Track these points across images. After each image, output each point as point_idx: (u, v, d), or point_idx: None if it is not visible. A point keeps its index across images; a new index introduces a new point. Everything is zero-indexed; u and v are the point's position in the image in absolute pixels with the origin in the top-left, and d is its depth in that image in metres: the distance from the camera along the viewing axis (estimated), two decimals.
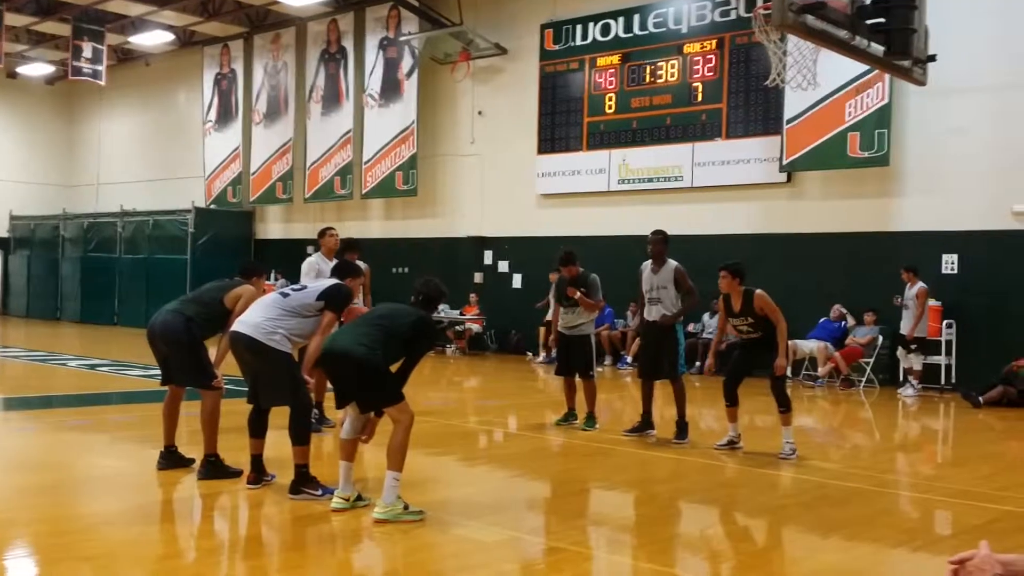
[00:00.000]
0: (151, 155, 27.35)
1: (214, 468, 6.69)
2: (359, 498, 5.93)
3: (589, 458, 8.44)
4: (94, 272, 26.40)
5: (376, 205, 22.01)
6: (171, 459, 6.96)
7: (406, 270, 19.68)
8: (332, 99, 22.30)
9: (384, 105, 21.08)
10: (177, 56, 26.07)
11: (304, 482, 6.17)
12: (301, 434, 6.19)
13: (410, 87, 20.64)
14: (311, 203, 22.93)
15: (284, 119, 23.43)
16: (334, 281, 6.59)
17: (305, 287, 6.61)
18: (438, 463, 8.02)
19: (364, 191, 21.57)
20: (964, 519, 6.53)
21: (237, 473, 6.67)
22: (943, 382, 13.94)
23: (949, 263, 14.23)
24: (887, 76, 13.54)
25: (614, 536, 5.83)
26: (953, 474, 8.22)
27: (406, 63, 20.69)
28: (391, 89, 20.99)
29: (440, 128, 20.73)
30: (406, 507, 5.66)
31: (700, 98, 16.80)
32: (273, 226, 24.70)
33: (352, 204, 22.15)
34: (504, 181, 19.55)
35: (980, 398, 12.61)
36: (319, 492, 6.13)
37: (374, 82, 21.29)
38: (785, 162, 15.58)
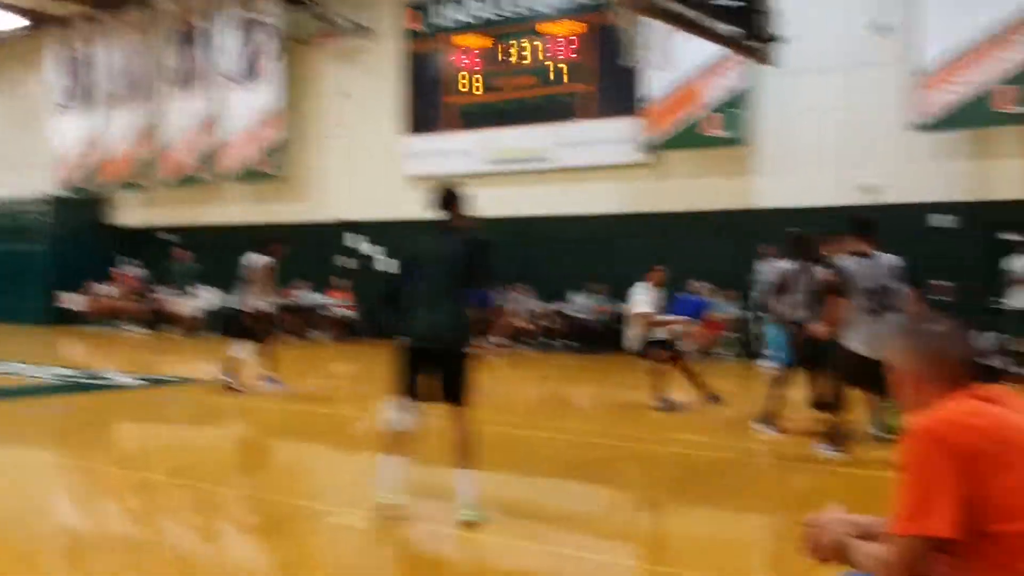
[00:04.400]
0: None
1: None
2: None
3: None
4: None
5: (239, 189, 21.41)
6: None
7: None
8: (190, 81, 21.53)
9: (245, 87, 20.50)
10: (25, 38, 24.60)
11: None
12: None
13: (272, 68, 20.12)
14: (171, 188, 22.13)
15: (139, 102, 22.47)
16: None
17: None
18: (310, 452, 7.91)
19: (226, 175, 20.96)
20: (821, 483, 6.86)
21: None
22: None
23: None
24: (743, 57, 14.00)
25: (490, 515, 5.87)
26: (811, 441, 8.60)
27: (267, 43, 20.15)
28: (252, 70, 20.42)
29: (304, 110, 20.30)
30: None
31: (564, 79, 17.00)
32: (130, 213, 23.71)
33: (214, 189, 21.49)
34: (371, 163, 19.32)
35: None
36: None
37: (234, 63, 20.66)
38: (647, 142, 15.94)
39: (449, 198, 5.67)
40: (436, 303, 5.48)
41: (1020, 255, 12.60)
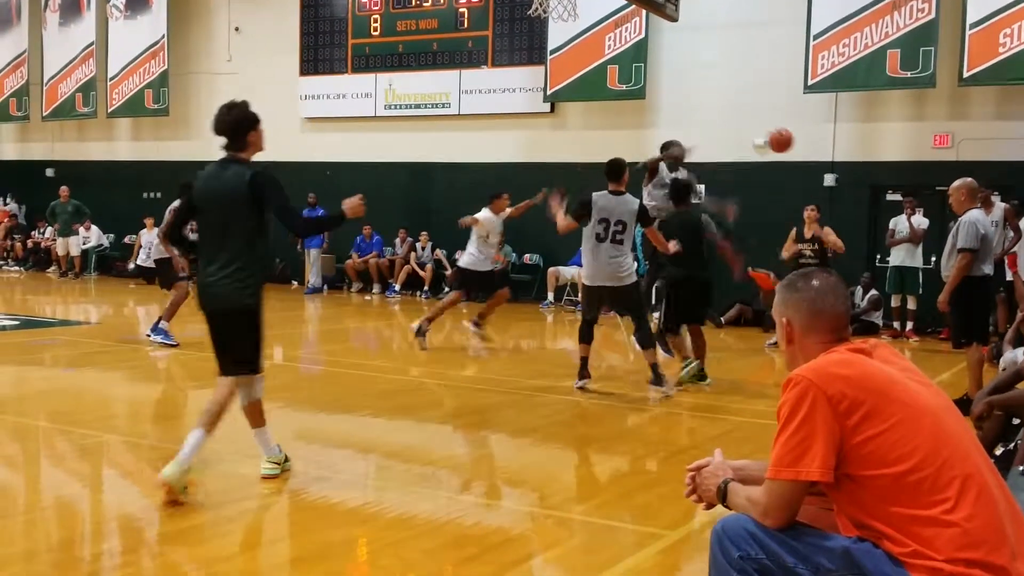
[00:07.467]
0: None
1: None
2: (286, 459, 5.28)
3: (353, 386, 8.41)
4: None
5: (123, 125, 20.58)
6: None
7: (158, 195, 18.55)
8: (72, 8, 20.47)
9: (131, 17, 19.61)
10: None
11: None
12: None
13: None
14: (50, 121, 21.13)
15: (16, 29, 21.30)
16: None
17: None
18: (197, 398, 7.72)
19: (110, 109, 20.12)
20: (704, 430, 7.07)
21: None
22: None
23: (698, 192, 15.12)
24: (644, 11, 14.04)
25: (382, 462, 5.86)
26: (695, 389, 8.84)
27: None
28: (139, 1, 19.54)
29: (193, 44, 19.55)
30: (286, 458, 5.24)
31: (467, 24, 16.77)
32: (7, 146, 22.56)
33: (96, 123, 20.60)
34: (265, 103, 18.26)
35: (721, 319, 13.61)
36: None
37: None
38: (549, 92, 15.92)
39: (245, 123, 4.77)
40: (214, 254, 4.70)
41: (902, 215, 13.10)
